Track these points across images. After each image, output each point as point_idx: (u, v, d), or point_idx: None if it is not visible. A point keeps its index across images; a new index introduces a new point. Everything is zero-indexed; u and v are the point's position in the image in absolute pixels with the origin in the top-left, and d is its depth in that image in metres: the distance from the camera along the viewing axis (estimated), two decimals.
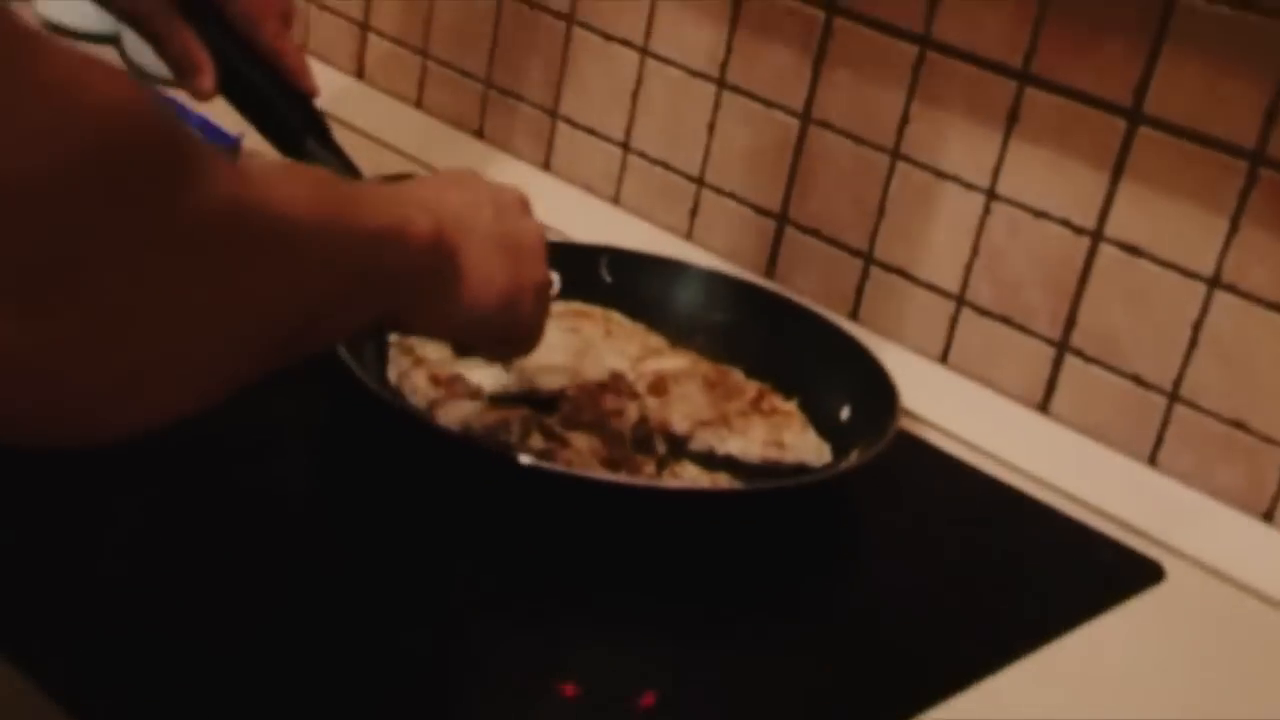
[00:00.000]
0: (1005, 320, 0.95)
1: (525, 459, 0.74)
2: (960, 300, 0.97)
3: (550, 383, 0.86)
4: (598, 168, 1.14)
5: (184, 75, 0.81)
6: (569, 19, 1.13)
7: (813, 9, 1.00)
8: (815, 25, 1.00)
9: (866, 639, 0.76)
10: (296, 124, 0.82)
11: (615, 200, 1.14)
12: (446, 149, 1.21)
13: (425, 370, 0.83)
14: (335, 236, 0.54)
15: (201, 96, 0.82)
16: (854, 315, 1.02)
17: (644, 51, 1.09)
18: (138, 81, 0.42)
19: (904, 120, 0.97)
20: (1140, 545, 0.87)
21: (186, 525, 0.73)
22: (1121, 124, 0.88)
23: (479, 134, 1.22)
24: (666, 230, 1.10)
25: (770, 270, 1.06)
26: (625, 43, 1.10)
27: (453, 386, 0.82)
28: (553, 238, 1.09)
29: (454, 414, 0.80)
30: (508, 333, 0.72)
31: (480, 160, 1.19)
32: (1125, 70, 0.87)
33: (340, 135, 1.23)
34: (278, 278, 0.49)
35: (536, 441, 0.79)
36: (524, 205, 0.75)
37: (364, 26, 1.28)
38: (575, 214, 1.13)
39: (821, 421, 0.89)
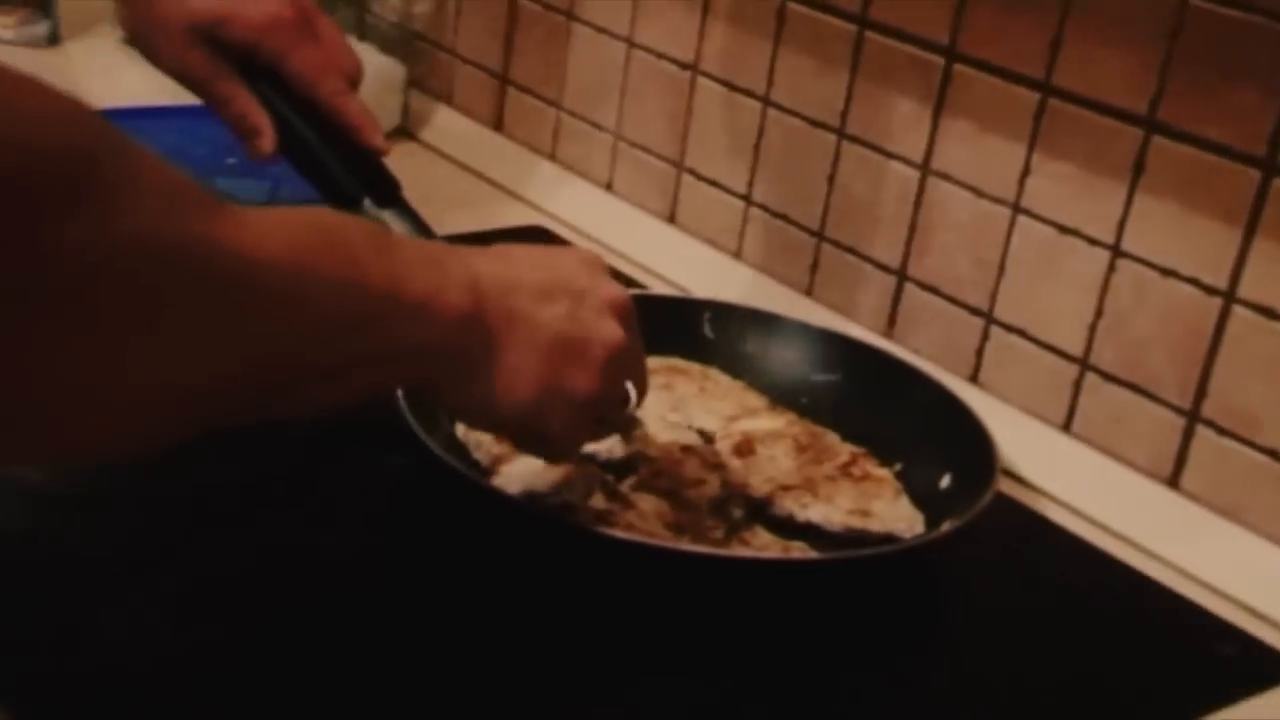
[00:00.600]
0: (1132, 387, 0.88)
1: (576, 522, 0.71)
2: (1084, 364, 0.90)
3: (623, 445, 0.82)
4: (721, 221, 1.11)
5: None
6: (694, 69, 1.11)
7: (932, 55, 0.95)
8: (935, 72, 0.95)
9: None
10: (353, 184, 0.81)
11: (737, 254, 1.10)
12: (576, 202, 1.20)
13: None
14: (317, 288, 0.52)
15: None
16: (974, 378, 0.96)
17: (766, 101, 1.06)
18: (63, 95, 0.41)
19: (1025, 171, 0.91)
20: (1270, 637, 0.78)
21: (242, 578, 0.72)
22: (1255, 175, 0.80)
23: (608, 187, 1.20)
24: (787, 286, 1.06)
25: (889, 329, 1.00)
26: (748, 93, 1.07)
27: None
28: (669, 291, 1.08)
29: (516, 471, 0.77)
30: (535, 435, 0.68)
31: (607, 213, 1.18)
32: (1258, 118, 0.79)
33: (477, 187, 1.25)
34: (225, 323, 0.47)
35: (599, 502, 0.76)
36: (615, 309, 0.68)
37: (503, 79, 1.28)
38: (697, 269, 1.10)
39: (921, 490, 0.83)
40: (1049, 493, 0.90)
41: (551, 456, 0.72)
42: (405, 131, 1.32)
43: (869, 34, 0.98)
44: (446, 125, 1.31)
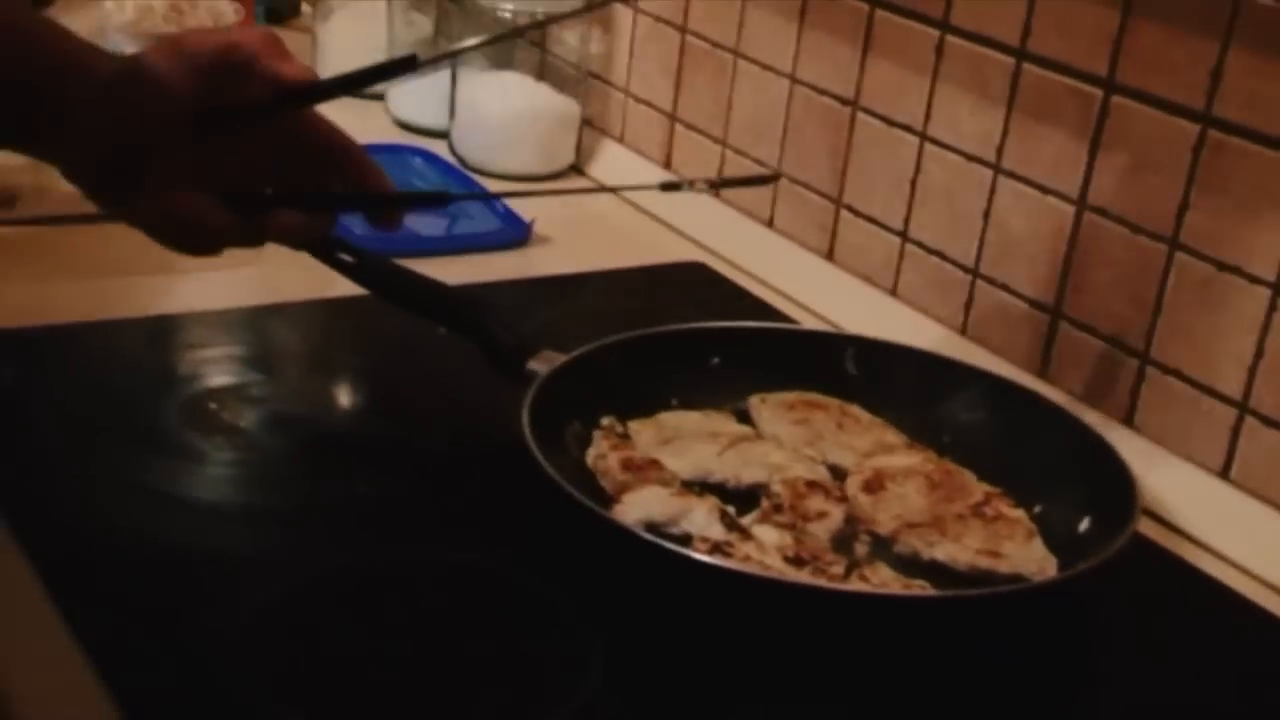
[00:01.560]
0: None
1: (675, 548, 0.71)
2: (1243, 408, 0.86)
3: (750, 475, 0.82)
4: (878, 258, 1.09)
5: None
6: (854, 104, 1.10)
7: (1090, 87, 0.92)
8: (1093, 104, 0.92)
9: None
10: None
11: (893, 291, 1.08)
12: (737, 238, 1.20)
13: (620, 454, 0.82)
14: None
15: None
16: (1129, 421, 0.92)
17: (923, 136, 1.04)
18: None
19: (1183, 206, 0.87)
20: None
21: (362, 594, 0.74)
22: None
23: (769, 223, 1.20)
24: (941, 324, 1.04)
25: (1044, 369, 0.97)
26: (906, 128, 1.06)
27: (644, 471, 0.80)
28: (821, 327, 1.07)
29: (637, 499, 0.78)
30: None
31: (767, 250, 1.17)
32: None
33: (643, 224, 1.25)
34: None
35: (717, 532, 0.75)
36: None
37: (672, 118, 1.29)
38: (853, 306, 1.09)
39: (1059, 533, 0.81)
40: (1204, 542, 0.86)
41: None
42: (577, 169, 1.35)
43: (1026, 66, 0.96)
44: (617, 162, 1.33)
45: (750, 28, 1.19)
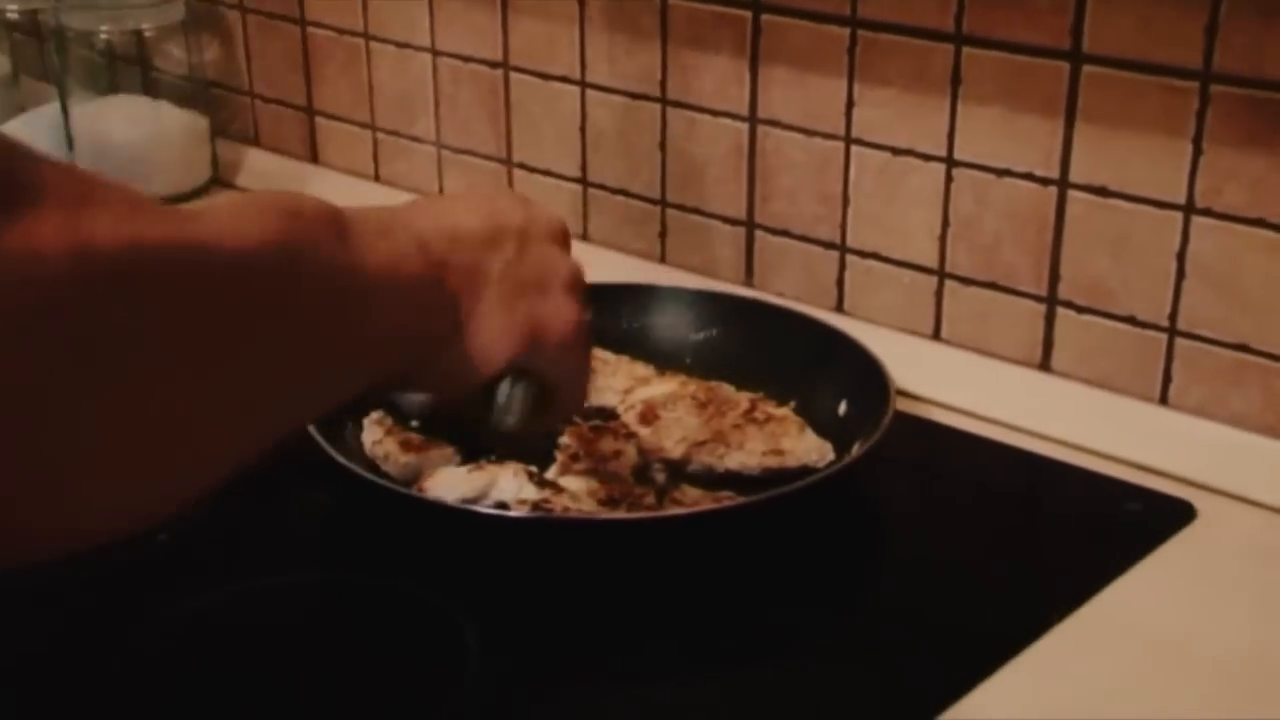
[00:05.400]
0: (990, 285, 0.93)
1: (522, 515, 0.73)
2: (941, 274, 0.95)
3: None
4: (561, 207, 1.13)
5: None
6: (504, 66, 1.12)
7: (739, 10, 0.98)
8: (744, 25, 0.98)
9: (906, 625, 0.73)
10: None
11: (584, 236, 1.12)
12: None
13: (396, 437, 0.82)
14: (293, 280, 0.48)
15: None
16: (839, 308, 1.00)
17: (583, 84, 1.08)
18: None
19: (849, 104, 0.95)
20: (1166, 487, 0.84)
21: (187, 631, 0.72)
22: (1065, 67, 0.86)
23: (439, 193, 1.20)
24: (639, 257, 1.09)
25: (749, 279, 1.04)
26: (563, 79, 1.09)
27: (425, 451, 0.81)
28: None
29: (441, 483, 0.78)
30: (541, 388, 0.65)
31: None
32: (1058, 15, 0.85)
33: None
34: (211, 331, 0.43)
35: (530, 494, 0.77)
36: (559, 236, 0.69)
37: (309, 111, 1.27)
38: None
39: (821, 421, 0.87)
40: (931, 398, 0.94)
41: (569, 407, 0.72)
42: (219, 181, 1.31)
43: (672, 1, 1.01)
44: (260, 167, 1.30)
45: (376, 10, 1.19)
